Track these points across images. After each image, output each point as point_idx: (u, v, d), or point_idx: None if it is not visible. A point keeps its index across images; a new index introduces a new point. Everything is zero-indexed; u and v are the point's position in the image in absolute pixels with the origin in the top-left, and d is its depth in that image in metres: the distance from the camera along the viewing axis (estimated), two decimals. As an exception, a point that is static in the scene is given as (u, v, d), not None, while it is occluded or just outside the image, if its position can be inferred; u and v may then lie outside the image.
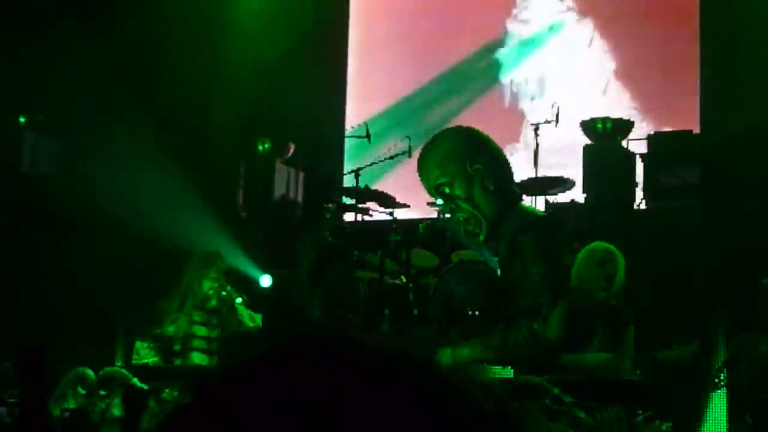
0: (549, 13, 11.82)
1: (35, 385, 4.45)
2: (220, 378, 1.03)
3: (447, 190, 4.35)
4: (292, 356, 1.01)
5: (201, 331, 7.92)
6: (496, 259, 4.58)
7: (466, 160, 4.34)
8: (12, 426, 6.54)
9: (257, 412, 0.97)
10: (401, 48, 12.36)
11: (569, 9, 11.73)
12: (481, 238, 4.34)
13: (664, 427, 7.03)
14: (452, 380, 1.00)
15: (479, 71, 12.05)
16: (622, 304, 6.85)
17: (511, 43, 11.96)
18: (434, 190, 4.39)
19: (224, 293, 7.95)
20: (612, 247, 7.15)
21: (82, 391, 6.91)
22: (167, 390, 6.43)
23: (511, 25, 11.99)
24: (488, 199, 4.35)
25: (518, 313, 4.24)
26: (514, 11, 11.98)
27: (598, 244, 7.17)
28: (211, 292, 7.94)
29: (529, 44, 11.89)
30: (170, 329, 7.86)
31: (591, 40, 11.60)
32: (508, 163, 4.51)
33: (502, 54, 11.98)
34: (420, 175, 4.45)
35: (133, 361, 7.78)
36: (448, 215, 4.68)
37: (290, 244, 10.26)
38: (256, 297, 8.98)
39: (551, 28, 11.79)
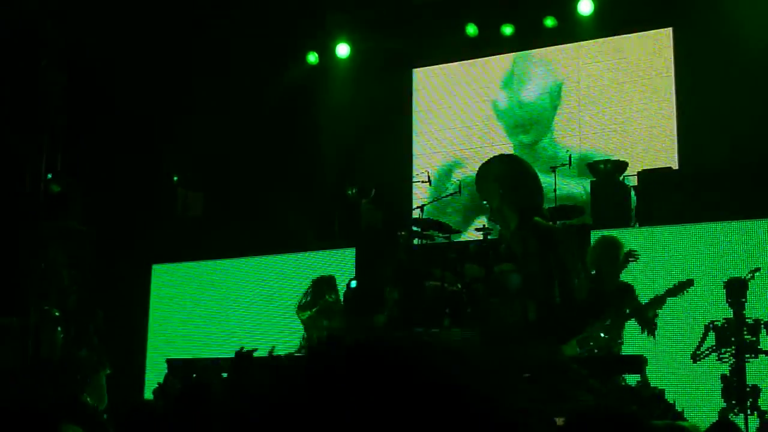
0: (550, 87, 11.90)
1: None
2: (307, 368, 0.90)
3: (486, 204, 4.50)
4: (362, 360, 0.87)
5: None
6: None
7: (495, 182, 4.44)
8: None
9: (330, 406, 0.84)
10: (453, 113, 12.40)
11: (572, 77, 11.81)
12: (508, 237, 4.39)
13: (657, 392, 7.05)
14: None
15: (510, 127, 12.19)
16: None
17: (525, 108, 12.06)
18: (482, 202, 4.54)
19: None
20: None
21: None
22: None
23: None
24: (511, 212, 4.42)
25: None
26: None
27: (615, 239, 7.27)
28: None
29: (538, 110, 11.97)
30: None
31: (589, 101, 11.67)
32: (533, 185, 4.48)
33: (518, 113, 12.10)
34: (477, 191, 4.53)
35: None
36: (489, 237, 4.76)
37: (373, 261, 10.36)
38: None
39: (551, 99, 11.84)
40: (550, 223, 4.59)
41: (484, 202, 4.49)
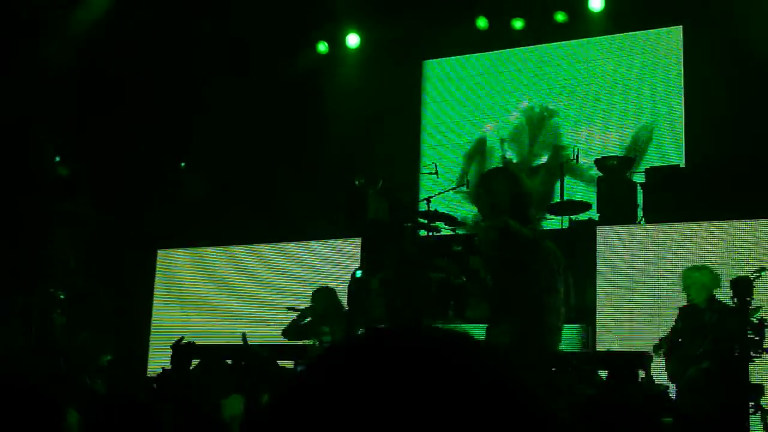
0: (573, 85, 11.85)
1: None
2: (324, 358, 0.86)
3: (476, 205, 4.66)
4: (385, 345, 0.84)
5: None
6: None
7: (487, 188, 4.55)
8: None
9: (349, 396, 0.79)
10: (463, 106, 12.35)
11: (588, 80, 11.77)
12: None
13: (661, 389, 7.01)
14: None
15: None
16: None
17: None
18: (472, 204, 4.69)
19: None
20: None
21: None
22: None
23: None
24: (499, 215, 4.51)
25: None
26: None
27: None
28: None
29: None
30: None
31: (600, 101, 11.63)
32: (520, 192, 4.59)
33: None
34: None
35: None
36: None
37: (380, 252, 10.26)
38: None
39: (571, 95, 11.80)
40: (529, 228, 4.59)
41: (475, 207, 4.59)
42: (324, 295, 8.48)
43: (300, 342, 8.79)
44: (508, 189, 4.60)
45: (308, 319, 8.44)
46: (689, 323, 7.47)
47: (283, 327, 9.15)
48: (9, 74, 9.96)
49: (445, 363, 0.81)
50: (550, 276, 4.53)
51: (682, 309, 7.75)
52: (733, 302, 7.12)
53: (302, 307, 8.51)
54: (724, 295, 7.45)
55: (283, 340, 9.40)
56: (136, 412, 3.59)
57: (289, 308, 8.75)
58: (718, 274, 7.66)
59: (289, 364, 8.64)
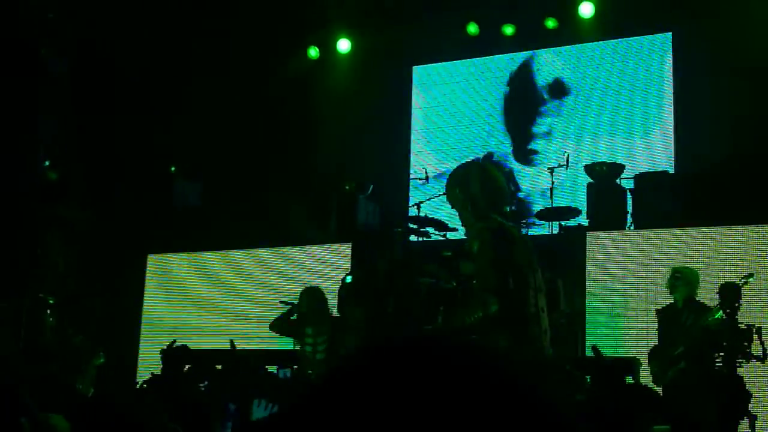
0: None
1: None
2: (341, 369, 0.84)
3: (453, 207, 4.61)
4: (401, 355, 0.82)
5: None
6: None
7: (456, 187, 4.54)
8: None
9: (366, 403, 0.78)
10: (451, 112, 12.33)
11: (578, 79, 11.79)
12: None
13: (651, 393, 7.01)
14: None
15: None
16: None
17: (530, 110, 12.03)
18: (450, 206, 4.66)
19: None
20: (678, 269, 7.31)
21: None
22: None
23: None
24: (470, 216, 4.50)
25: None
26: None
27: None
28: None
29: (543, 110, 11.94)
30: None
31: (588, 107, 11.64)
32: (493, 193, 4.59)
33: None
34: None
35: None
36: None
37: (369, 256, 10.27)
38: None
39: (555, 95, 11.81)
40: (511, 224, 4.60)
41: (452, 206, 4.55)
42: (311, 296, 8.38)
43: (284, 346, 8.76)
44: (483, 183, 4.58)
45: (295, 316, 8.35)
46: (667, 325, 7.51)
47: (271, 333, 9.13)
48: (3, 76, 9.94)
49: (471, 374, 0.81)
50: (537, 276, 4.53)
51: (659, 311, 7.79)
52: (721, 308, 7.16)
53: (295, 302, 8.44)
54: (712, 300, 7.48)
55: (272, 347, 9.39)
56: (123, 417, 3.58)
57: (282, 302, 8.72)
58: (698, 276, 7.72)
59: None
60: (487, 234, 4.32)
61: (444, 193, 4.66)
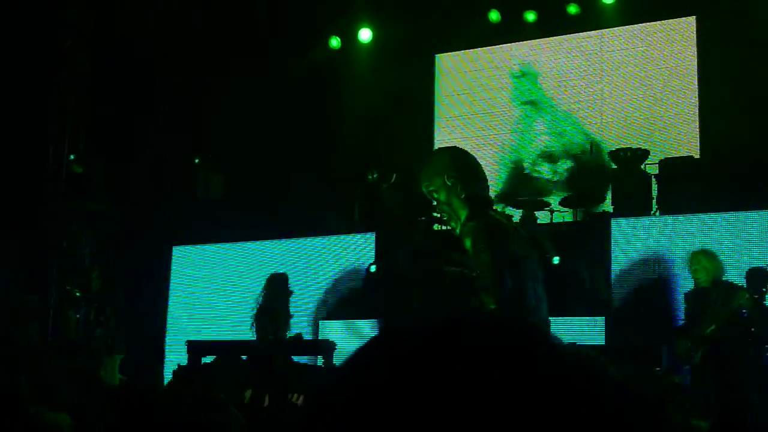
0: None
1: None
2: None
3: (435, 195, 4.32)
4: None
5: None
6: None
7: (444, 174, 4.29)
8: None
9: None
10: (475, 99, 12.32)
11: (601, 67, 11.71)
12: (457, 231, 4.30)
13: (677, 381, 6.96)
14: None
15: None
16: None
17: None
18: (427, 195, 4.36)
19: None
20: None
21: None
22: None
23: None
24: (460, 204, 4.28)
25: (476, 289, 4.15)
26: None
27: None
28: None
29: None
30: None
31: (613, 92, 11.57)
32: (481, 176, 4.39)
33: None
34: (420, 184, 4.41)
35: None
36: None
37: (393, 245, 10.29)
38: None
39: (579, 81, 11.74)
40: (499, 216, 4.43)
41: (434, 195, 4.25)
42: (273, 284, 8.14)
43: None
44: (458, 162, 4.36)
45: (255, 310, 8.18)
46: (695, 305, 7.44)
47: (297, 322, 9.12)
48: (27, 70, 9.99)
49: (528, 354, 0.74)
50: (534, 264, 4.37)
51: (687, 294, 7.73)
52: (748, 293, 7.10)
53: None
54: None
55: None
56: (150, 407, 3.58)
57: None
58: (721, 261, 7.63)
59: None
60: (480, 235, 4.15)
61: (425, 184, 4.37)
